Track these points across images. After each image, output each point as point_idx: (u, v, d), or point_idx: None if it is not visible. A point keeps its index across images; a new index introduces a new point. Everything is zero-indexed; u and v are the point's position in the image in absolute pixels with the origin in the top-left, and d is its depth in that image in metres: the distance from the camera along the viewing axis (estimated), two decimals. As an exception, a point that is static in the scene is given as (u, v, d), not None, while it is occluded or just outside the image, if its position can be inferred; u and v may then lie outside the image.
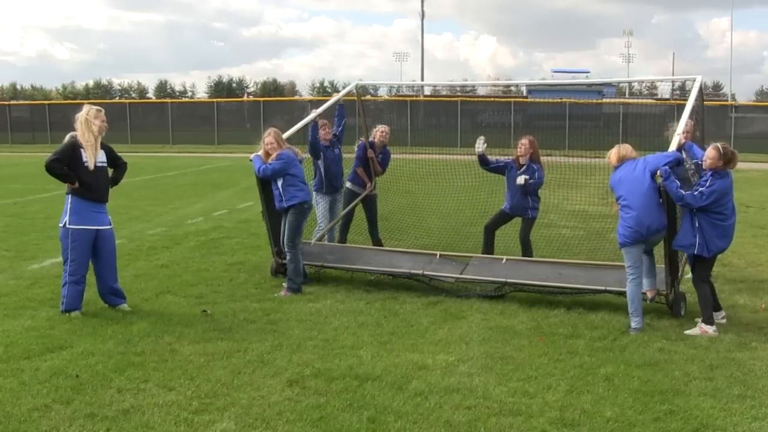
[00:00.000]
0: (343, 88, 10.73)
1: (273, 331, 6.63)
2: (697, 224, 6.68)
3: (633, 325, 6.75)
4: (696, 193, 6.63)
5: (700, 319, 6.76)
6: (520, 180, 8.98)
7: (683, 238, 6.78)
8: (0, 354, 5.90)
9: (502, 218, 9.35)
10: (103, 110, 7.22)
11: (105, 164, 7.23)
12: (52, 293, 7.83)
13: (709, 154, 6.70)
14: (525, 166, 9.07)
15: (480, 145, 9.12)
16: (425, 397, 5.09)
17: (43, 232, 12.01)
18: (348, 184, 10.37)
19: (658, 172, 6.76)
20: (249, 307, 7.48)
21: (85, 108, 7.17)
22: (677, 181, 6.73)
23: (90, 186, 7.02)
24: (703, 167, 6.82)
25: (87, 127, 6.99)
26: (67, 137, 7.10)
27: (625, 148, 7.12)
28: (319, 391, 5.20)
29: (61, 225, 7.11)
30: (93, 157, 6.98)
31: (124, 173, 7.57)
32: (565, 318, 7.18)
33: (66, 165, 6.95)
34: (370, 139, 10.47)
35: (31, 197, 17.26)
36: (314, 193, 9.74)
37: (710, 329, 6.64)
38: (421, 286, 8.30)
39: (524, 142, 9.17)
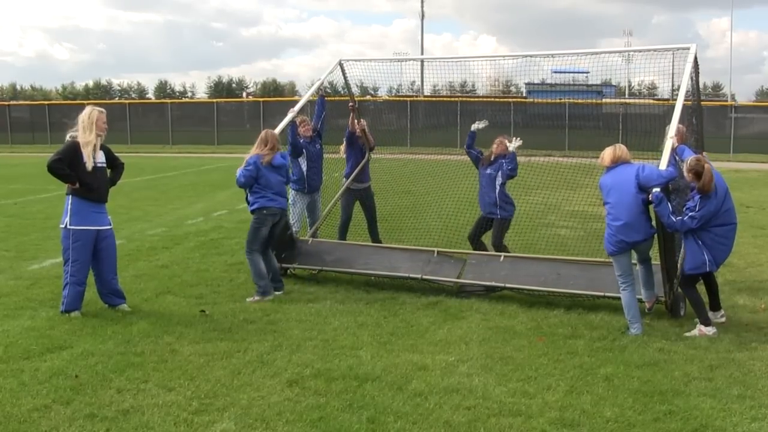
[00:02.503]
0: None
1: (273, 332, 6.63)
2: (700, 242, 6.61)
3: (632, 331, 6.69)
4: (686, 218, 6.54)
5: (698, 321, 6.76)
6: (478, 125, 9.33)
7: (693, 259, 6.64)
8: (0, 354, 5.91)
9: (481, 224, 9.27)
10: (105, 112, 7.23)
11: (104, 164, 7.25)
12: (52, 293, 7.83)
13: (685, 171, 6.66)
14: (493, 162, 9.11)
15: (479, 124, 9.34)
16: (425, 398, 5.09)
17: (43, 233, 12.01)
18: (344, 181, 10.35)
19: (650, 197, 6.60)
20: (249, 307, 7.48)
21: (88, 109, 7.19)
22: (669, 206, 6.61)
23: (90, 186, 7.03)
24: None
25: (88, 127, 7.00)
26: (68, 137, 7.12)
27: (621, 150, 6.94)
28: (319, 391, 5.20)
29: (61, 226, 7.11)
30: (91, 157, 7.00)
31: (122, 174, 7.59)
32: (565, 318, 7.18)
33: (67, 165, 6.96)
34: (349, 129, 10.33)
35: (31, 197, 17.26)
36: (293, 192, 9.62)
37: (709, 330, 6.64)
38: (420, 286, 8.30)
39: (500, 140, 9.20)
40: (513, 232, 11.00)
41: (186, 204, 16.46)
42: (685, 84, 7.61)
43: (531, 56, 10.10)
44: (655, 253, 7.10)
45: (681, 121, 7.46)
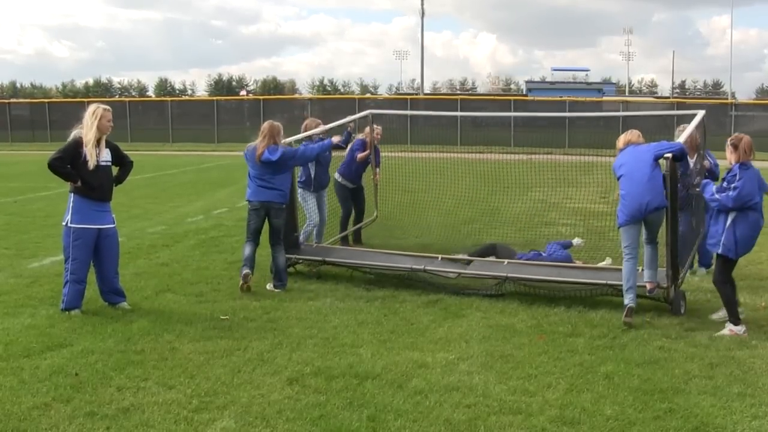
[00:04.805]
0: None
1: (273, 330, 6.63)
2: (728, 222, 6.62)
3: (626, 302, 6.86)
4: (731, 193, 6.55)
5: (720, 316, 6.78)
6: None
7: (712, 236, 6.74)
8: (0, 352, 5.91)
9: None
10: (111, 110, 7.20)
11: (109, 163, 7.21)
12: (52, 291, 7.83)
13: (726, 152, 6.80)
14: None
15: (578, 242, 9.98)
16: (425, 396, 5.09)
17: (43, 231, 12.02)
18: (338, 178, 10.62)
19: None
20: (249, 305, 7.48)
21: (92, 106, 7.16)
22: (712, 187, 6.74)
23: (92, 185, 7.01)
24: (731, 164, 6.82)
25: (91, 124, 6.98)
26: (72, 135, 7.09)
27: (632, 134, 7.35)
28: (319, 389, 5.20)
29: (63, 223, 7.10)
30: (93, 155, 6.97)
31: (129, 172, 7.56)
32: (565, 316, 7.18)
33: (69, 163, 6.94)
34: (364, 137, 10.71)
35: (31, 195, 17.26)
36: (301, 190, 9.78)
37: (740, 330, 6.57)
38: (421, 285, 8.28)
39: None
40: (514, 229, 11.03)
41: (186, 202, 16.46)
42: (689, 130, 7.93)
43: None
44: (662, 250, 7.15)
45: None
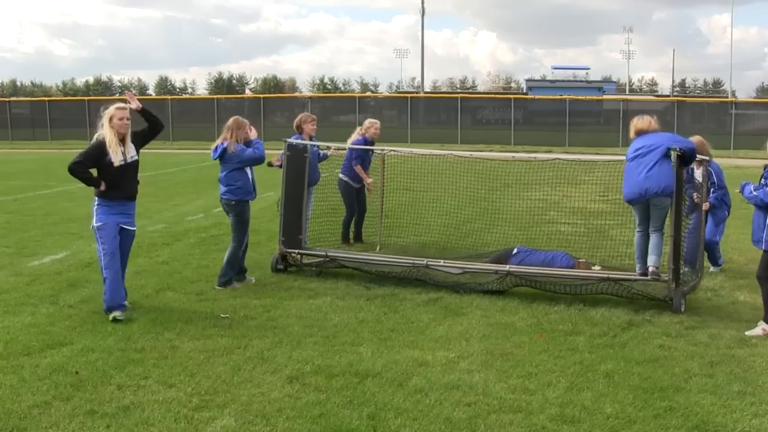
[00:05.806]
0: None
1: (273, 328, 6.63)
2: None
3: (637, 269, 7.47)
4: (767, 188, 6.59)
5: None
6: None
7: (755, 233, 6.79)
8: (0, 351, 5.91)
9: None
10: (125, 107, 7.12)
11: (136, 159, 7.12)
12: (52, 290, 7.83)
13: None
14: None
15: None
16: (425, 394, 5.09)
17: (43, 229, 12.01)
18: (343, 177, 10.65)
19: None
20: (249, 303, 7.48)
21: (108, 108, 7.10)
22: (751, 186, 6.76)
23: (117, 184, 6.93)
24: None
25: (107, 127, 6.94)
26: (95, 136, 7.05)
27: (643, 121, 7.52)
28: (319, 387, 5.20)
29: (91, 227, 7.11)
30: (119, 153, 6.91)
31: (157, 122, 7.51)
32: (566, 315, 7.18)
33: (94, 165, 6.88)
34: (364, 134, 10.74)
35: (31, 194, 17.26)
36: None
37: None
38: (421, 283, 8.28)
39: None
40: (514, 227, 11.02)
41: (186, 200, 16.47)
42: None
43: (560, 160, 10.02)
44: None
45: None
